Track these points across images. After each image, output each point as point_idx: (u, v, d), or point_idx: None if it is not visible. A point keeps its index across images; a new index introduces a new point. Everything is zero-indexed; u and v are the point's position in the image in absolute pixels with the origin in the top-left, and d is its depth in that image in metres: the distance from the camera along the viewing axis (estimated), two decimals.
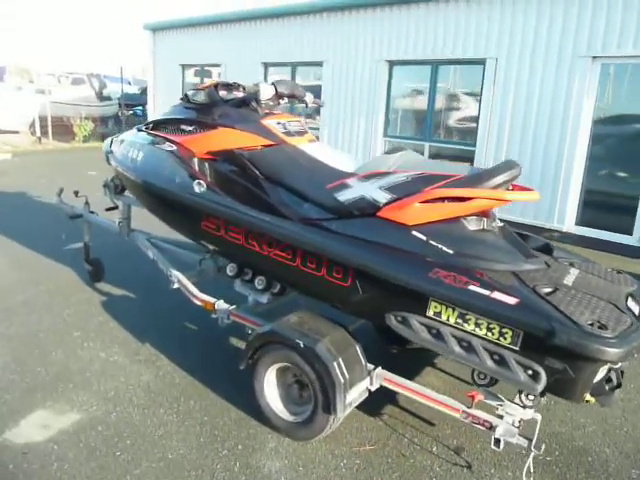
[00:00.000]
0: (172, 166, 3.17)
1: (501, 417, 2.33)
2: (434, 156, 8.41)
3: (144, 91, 16.91)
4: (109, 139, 3.95)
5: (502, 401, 2.36)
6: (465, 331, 2.25)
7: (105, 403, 2.94)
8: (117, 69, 17.15)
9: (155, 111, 14.00)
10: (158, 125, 3.55)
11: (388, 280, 2.39)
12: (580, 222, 7.07)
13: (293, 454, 2.61)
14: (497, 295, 2.15)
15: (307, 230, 2.66)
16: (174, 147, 3.25)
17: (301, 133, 3.22)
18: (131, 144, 3.53)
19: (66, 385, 3.10)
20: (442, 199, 2.41)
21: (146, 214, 3.67)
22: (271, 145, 3.02)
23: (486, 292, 2.17)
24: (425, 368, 3.47)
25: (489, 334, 2.20)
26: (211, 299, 3.22)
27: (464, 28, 7.72)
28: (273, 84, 3.17)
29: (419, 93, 8.70)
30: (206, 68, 12.61)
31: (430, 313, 2.33)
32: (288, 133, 3.12)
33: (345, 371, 2.48)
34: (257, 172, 2.96)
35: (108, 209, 4.21)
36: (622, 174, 6.78)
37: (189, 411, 2.91)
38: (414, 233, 2.45)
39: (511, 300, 2.13)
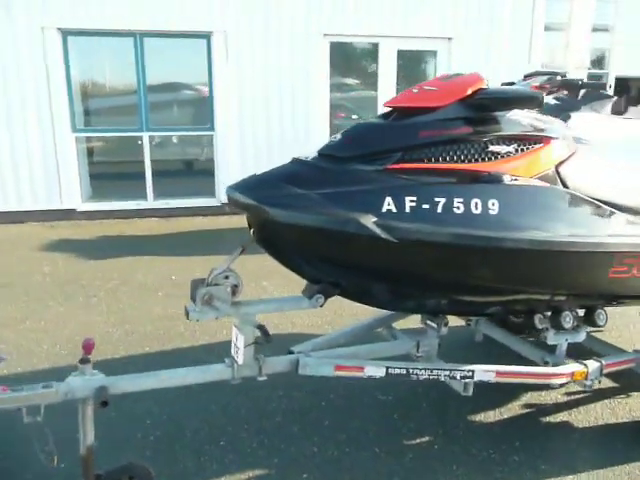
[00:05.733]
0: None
1: None
2: (161, 146, 7.08)
3: None
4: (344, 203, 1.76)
5: None
6: None
7: None
8: None
9: None
10: (417, 153, 1.97)
11: None
12: None
13: None
14: None
15: None
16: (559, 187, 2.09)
17: None
18: (496, 196, 1.90)
19: None
20: None
21: None
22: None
23: None
24: None
25: None
26: (579, 365, 2.37)
27: None
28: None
29: (126, 72, 6.93)
30: None
31: None
32: None
33: None
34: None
35: None
36: None
37: None
38: None
39: None
